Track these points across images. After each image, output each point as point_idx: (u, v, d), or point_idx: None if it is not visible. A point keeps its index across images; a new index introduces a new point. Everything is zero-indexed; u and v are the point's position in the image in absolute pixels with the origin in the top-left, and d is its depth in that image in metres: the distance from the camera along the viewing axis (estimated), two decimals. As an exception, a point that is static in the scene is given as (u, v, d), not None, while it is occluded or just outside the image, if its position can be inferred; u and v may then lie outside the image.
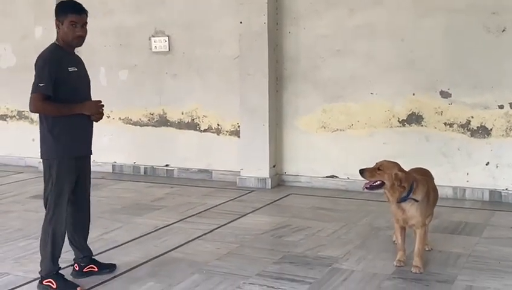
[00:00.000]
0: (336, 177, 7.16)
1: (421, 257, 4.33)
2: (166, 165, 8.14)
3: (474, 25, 6.41)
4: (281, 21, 7.30)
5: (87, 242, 4.37)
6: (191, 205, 6.44)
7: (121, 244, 5.05)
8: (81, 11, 4.03)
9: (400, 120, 6.84)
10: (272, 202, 6.59)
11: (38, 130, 4.07)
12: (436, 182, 4.79)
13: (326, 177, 7.22)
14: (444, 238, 5.10)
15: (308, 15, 7.16)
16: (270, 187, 7.23)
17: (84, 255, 4.31)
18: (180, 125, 7.99)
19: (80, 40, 4.07)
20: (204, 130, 7.88)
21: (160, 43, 7.93)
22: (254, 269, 4.41)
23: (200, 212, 6.11)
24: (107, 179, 7.93)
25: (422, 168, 4.76)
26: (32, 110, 4.00)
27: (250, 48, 7.22)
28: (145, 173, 8.25)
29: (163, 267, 4.50)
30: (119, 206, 6.44)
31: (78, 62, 4.18)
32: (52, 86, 3.88)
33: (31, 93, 3.94)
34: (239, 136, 7.53)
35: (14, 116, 9.18)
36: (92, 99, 4.19)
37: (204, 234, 5.32)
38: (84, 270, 4.31)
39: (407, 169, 4.43)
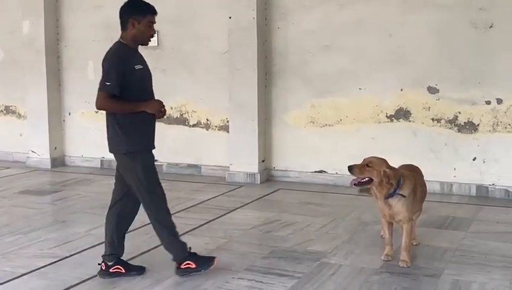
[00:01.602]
0: (325, 172, 7.19)
1: (408, 251, 4.37)
2: (155, 161, 8.09)
3: (461, 21, 6.44)
4: (270, 16, 7.30)
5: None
6: (179, 200, 6.43)
7: (110, 240, 5.04)
8: (156, 12, 4.10)
9: (388, 115, 6.87)
10: (261, 197, 6.60)
11: (107, 127, 4.12)
12: (424, 177, 4.82)
13: (315, 172, 7.25)
14: (431, 233, 5.14)
15: (297, 10, 7.17)
16: (259, 182, 7.24)
17: (112, 253, 4.22)
18: (169, 120, 7.97)
19: (151, 39, 4.14)
20: (194, 125, 7.87)
21: (148, 38, 7.88)
22: (243, 264, 4.42)
23: (188, 208, 6.11)
24: (96, 175, 7.90)
25: (411, 165, 4.79)
26: (98, 107, 4.06)
27: (239, 43, 7.22)
28: (133, 168, 8.22)
29: (152, 262, 4.49)
30: (108, 201, 6.37)
31: (143, 60, 4.20)
32: (119, 85, 3.92)
33: (98, 91, 3.99)
34: (228, 131, 7.53)
35: (2, 111, 9.10)
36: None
37: (193, 229, 5.32)
38: (111, 270, 4.19)
39: (397, 166, 4.46)
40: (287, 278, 4.15)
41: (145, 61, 4.20)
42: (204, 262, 4.18)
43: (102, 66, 4.02)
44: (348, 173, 4.35)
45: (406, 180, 4.32)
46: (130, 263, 4.33)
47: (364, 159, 4.31)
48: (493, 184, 6.50)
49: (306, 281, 4.10)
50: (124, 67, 3.96)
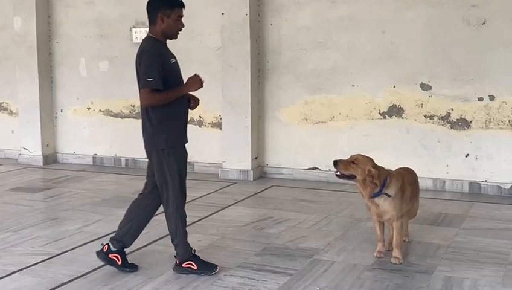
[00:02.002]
0: (318, 169, 7.18)
1: (400, 248, 4.37)
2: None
3: (454, 17, 6.45)
4: (263, 13, 7.28)
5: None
6: (172, 197, 6.41)
7: (102, 237, 5.01)
8: (184, 5, 4.12)
9: (381, 112, 6.87)
10: (254, 194, 6.59)
11: (143, 125, 4.11)
12: (418, 177, 4.81)
13: (308, 169, 7.24)
14: (423, 230, 5.14)
15: (290, 7, 7.15)
16: (252, 179, 7.23)
17: (121, 240, 4.23)
18: (162, 117, 7.94)
19: (179, 33, 4.15)
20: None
21: (141, 34, 7.84)
22: (235, 261, 4.41)
23: (181, 205, 6.09)
24: (88, 172, 7.87)
25: (406, 168, 4.76)
26: (144, 105, 4.05)
27: (232, 40, 7.20)
28: (126, 165, 8.20)
29: (144, 259, 4.48)
30: (100, 198, 6.40)
31: (173, 54, 4.22)
32: (161, 79, 3.94)
33: (141, 89, 3.99)
34: (221, 128, 7.51)
35: (-7, 107, 9.06)
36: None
37: (186, 226, 5.29)
38: (110, 256, 4.20)
39: (392, 167, 4.47)
40: (279, 275, 4.14)
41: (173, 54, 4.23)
42: (207, 267, 4.16)
43: (139, 64, 4.01)
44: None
45: (393, 179, 4.31)
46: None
47: (351, 156, 4.31)
48: (486, 181, 6.51)
49: (298, 277, 4.09)
50: (162, 61, 3.98)
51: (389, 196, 4.27)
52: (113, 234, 4.35)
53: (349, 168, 4.25)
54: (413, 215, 4.83)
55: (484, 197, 6.34)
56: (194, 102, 4.24)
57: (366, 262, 4.37)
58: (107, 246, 4.23)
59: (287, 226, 5.30)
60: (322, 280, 4.07)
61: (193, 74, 4.15)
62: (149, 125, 4.07)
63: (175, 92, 4.04)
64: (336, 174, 4.33)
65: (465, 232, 5.10)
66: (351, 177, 4.27)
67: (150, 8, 4.08)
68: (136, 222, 4.26)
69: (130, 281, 4.06)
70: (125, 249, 4.27)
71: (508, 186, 6.42)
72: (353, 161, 4.27)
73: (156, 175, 4.13)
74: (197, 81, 4.11)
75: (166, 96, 4.00)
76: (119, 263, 4.19)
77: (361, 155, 4.33)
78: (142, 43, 4.14)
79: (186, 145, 4.22)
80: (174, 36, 4.13)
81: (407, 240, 4.71)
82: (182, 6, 4.09)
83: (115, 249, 4.21)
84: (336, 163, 4.29)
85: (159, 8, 4.02)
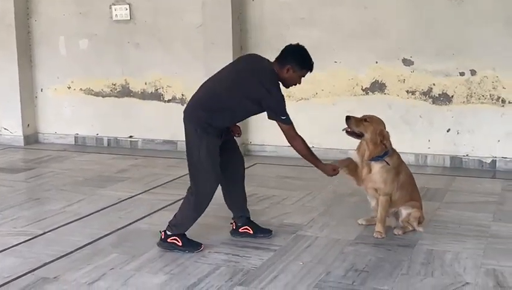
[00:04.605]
0: (301, 146, 7.17)
1: (383, 223, 4.41)
2: (130, 137, 8.04)
3: (436, -8, 6.44)
4: (244, -11, 7.21)
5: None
6: (155, 176, 6.39)
7: (84, 217, 5.00)
8: (312, 70, 4.23)
9: (363, 88, 6.88)
10: (237, 172, 6.58)
11: (200, 99, 4.18)
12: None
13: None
14: (406, 204, 5.18)
15: (272, -18, 7.08)
16: (235, 157, 7.21)
17: (240, 215, 4.42)
18: (144, 95, 7.88)
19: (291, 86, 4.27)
20: (169, 101, 7.78)
21: (121, 11, 7.74)
22: (219, 238, 4.43)
23: (164, 183, 6.08)
24: (70, 152, 7.80)
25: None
26: (293, 143, 4.22)
27: (213, 17, 7.12)
28: (108, 144, 8.14)
29: (128, 238, 4.48)
30: (82, 178, 6.35)
31: None
32: None
33: (283, 124, 4.13)
34: (203, 106, 7.45)
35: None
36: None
37: (169, 204, 5.29)
38: (240, 230, 4.40)
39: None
40: (263, 251, 4.16)
41: None
42: (191, 245, 4.16)
43: (270, 88, 4.01)
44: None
45: (396, 154, 4.38)
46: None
47: (363, 115, 4.32)
48: (467, 155, 6.57)
49: (282, 253, 4.12)
50: None
51: (388, 164, 4.28)
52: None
53: (360, 125, 4.28)
54: (415, 217, 4.50)
55: (465, 171, 6.41)
56: (237, 133, 4.41)
57: (348, 237, 4.41)
58: (234, 223, 4.43)
59: (270, 203, 5.32)
60: (305, 255, 4.10)
61: (330, 167, 4.31)
62: (206, 106, 4.10)
63: (314, 158, 4.22)
64: (346, 131, 4.33)
65: (447, 206, 5.16)
66: (359, 135, 4.28)
67: (286, 54, 4.15)
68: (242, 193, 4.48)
69: (113, 260, 4.05)
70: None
71: (489, 161, 6.49)
72: (366, 118, 4.28)
73: (187, 147, 4.28)
74: (330, 174, 4.31)
75: (307, 150, 4.19)
76: (252, 232, 4.38)
77: (375, 115, 4.34)
78: (266, 68, 4.14)
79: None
80: (287, 86, 4.23)
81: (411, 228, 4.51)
82: (311, 70, 4.20)
83: (241, 224, 4.41)
84: (348, 118, 4.30)
85: (293, 61, 4.10)
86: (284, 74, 4.12)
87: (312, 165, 4.28)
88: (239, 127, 4.44)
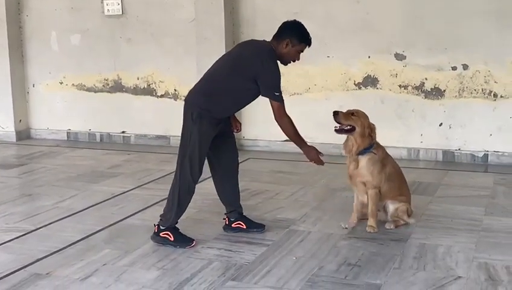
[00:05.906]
0: (294, 140, 7.18)
1: (375, 217, 4.41)
2: (123, 132, 8.02)
3: (428, -13, 6.45)
4: (237, -17, 7.19)
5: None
6: (148, 171, 6.38)
7: (77, 212, 4.98)
8: (311, 44, 4.21)
9: (356, 83, 6.88)
10: (230, 167, 6.57)
11: (202, 87, 4.17)
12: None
13: (285, 141, 7.18)
14: (398, 198, 5.19)
15: (264, -23, 7.07)
16: (228, 152, 7.21)
17: (233, 210, 4.41)
18: (136, 91, 7.86)
19: (290, 63, 4.23)
20: (161, 96, 7.77)
21: (113, 6, 7.70)
22: (212, 233, 4.43)
23: (157, 179, 6.07)
24: (62, 147, 7.77)
25: None
26: (280, 122, 4.13)
27: (205, 11, 7.10)
28: (101, 140, 8.12)
29: (120, 234, 4.47)
30: (75, 174, 6.33)
31: None
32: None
33: (273, 100, 4.07)
34: (196, 101, 7.44)
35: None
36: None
37: (162, 200, 5.22)
38: (233, 225, 4.40)
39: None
40: (256, 246, 4.16)
41: None
42: (183, 240, 4.16)
43: (264, 67, 3.99)
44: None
45: (381, 147, 4.41)
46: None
47: (348, 110, 4.32)
48: (459, 149, 6.59)
49: (275, 248, 4.12)
50: None
51: (375, 154, 4.31)
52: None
53: (349, 118, 4.27)
54: (408, 211, 4.52)
55: (458, 166, 6.43)
56: (237, 128, 4.40)
57: (341, 231, 4.42)
58: (227, 219, 4.42)
59: (263, 198, 5.32)
60: (298, 249, 4.10)
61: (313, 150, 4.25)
62: (207, 92, 4.11)
63: (299, 138, 4.18)
64: (336, 130, 4.31)
65: (439, 200, 5.18)
66: (349, 130, 4.27)
67: (284, 28, 4.15)
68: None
69: (106, 255, 4.04)
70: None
71: (481, 155, 6.52)
72: (353, 113, 4.28)
73: (182, 130, 4.19)
74: (315, 159, 4.24)
75: (294, 131, 4.13)
76: (245, 227, 4.38)
77: (359, 109, 4.35)
78: (262, 45, 4.15)
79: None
80: (285, 63, 4.20)
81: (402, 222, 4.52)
82: (309, 44, 4.19)
83: (234, 219, 4.40)
84: (336, 113, 4.28)
85: (290, 35, 4.09)
86: (282, 49, 4.11)
87: (297, 146, 4.26)
88: (240, 123, 4.45)
